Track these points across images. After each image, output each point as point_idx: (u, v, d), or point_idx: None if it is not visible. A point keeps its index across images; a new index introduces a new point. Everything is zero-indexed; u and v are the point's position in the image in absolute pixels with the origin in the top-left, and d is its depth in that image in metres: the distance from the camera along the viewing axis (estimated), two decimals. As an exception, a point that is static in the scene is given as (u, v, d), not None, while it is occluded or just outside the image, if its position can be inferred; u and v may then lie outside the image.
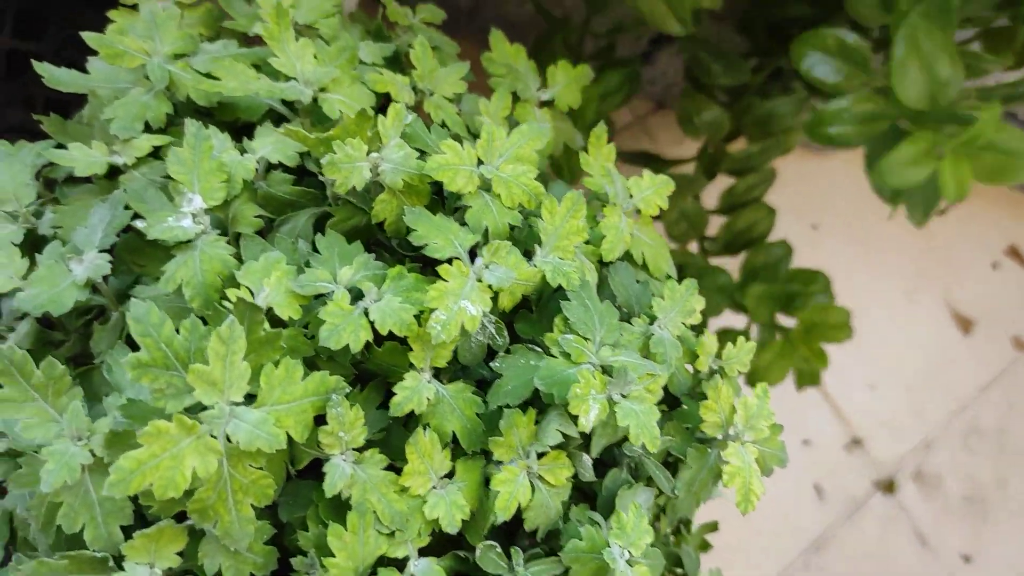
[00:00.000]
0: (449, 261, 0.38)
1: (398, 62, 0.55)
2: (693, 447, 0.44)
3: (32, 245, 0.46)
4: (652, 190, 0.49)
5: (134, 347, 0.37)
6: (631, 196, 0.49)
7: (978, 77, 0.71)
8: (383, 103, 0.52)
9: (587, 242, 0.47)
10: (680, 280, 0.47)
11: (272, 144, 0.43)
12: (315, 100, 0.46)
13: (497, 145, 0.42)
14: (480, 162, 0.42)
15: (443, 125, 0.51)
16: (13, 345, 0.36)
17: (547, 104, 0.56)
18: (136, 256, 0.42)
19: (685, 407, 0.46)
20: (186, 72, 0.47)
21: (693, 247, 0.89)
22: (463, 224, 0.40)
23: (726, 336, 0.82)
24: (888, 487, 1.22)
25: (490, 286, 0.38)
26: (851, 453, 1.23)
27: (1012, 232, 1.36)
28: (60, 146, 0.50)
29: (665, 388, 0.45)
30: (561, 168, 0.58)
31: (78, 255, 0.41)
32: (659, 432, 0.38)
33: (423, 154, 0.42)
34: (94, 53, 0.47)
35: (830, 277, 0.82)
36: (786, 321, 0.83)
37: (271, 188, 0.43)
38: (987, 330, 1.31)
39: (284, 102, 0.47)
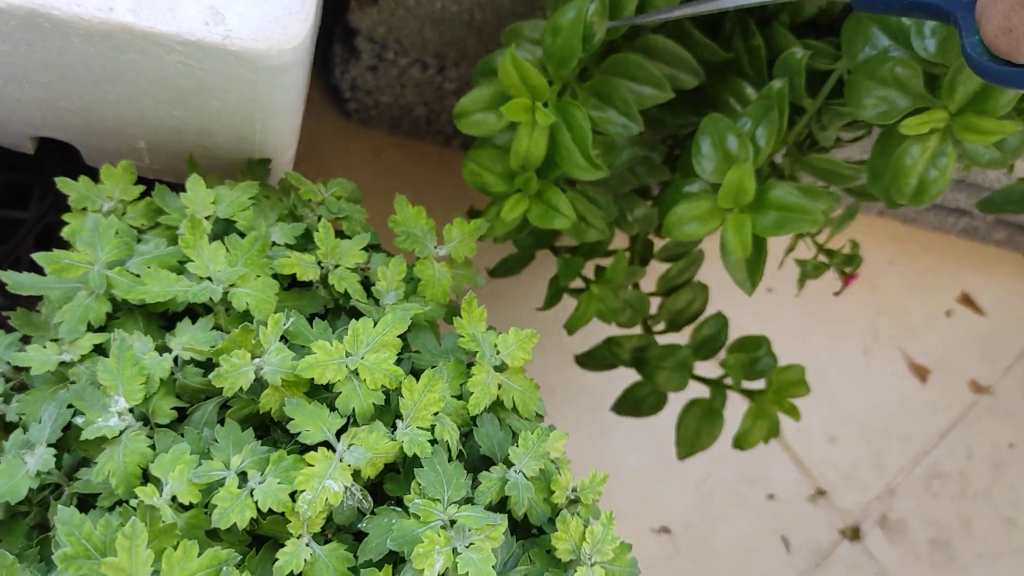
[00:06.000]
0: (317, 447, 0.47)
1: (310, 236, 0.65)
2: (550, 572, 0.53)
3: (3, 427, 0.57)
4: (517, 345, 0.58)
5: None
6: (498, 352, 0.58)
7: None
8: (292, 282, 0.62)
9: (459, 397, 0.56)
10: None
11: (184, 344, 0.53)
12: (225, 294, 0.56)
13: (363, 337, 0.51)
14: (348, 353, 0.51)
15: (345, 293, 0.60)
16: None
17: (444, 259, 0.66)
18: (80, 443, 0.52)
19: (547, 534, 0.54)
20: (122, 276, 0.57)
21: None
22: (334, 408, 0.50)
23: (697, 405, 0.90)
24: (854, 535, 1.29)
25: (350, 465, 0.47)
26: (816, 504, 1.29)
27: (963, 280, 1.43)
28: (26, 339, 0.60)
29: (527, 519, 0.54)
30: (459, 310, 0.67)
31: (31, 449, 0.51)
32: (495, 573, 0.47)
33: (304, 348, 0.52)
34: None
35: (771, 339, 0.89)
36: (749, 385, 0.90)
37: (186, 379, 0.53)
38: (944, 377, 1.38)
39: (200, 299, 0.56)
